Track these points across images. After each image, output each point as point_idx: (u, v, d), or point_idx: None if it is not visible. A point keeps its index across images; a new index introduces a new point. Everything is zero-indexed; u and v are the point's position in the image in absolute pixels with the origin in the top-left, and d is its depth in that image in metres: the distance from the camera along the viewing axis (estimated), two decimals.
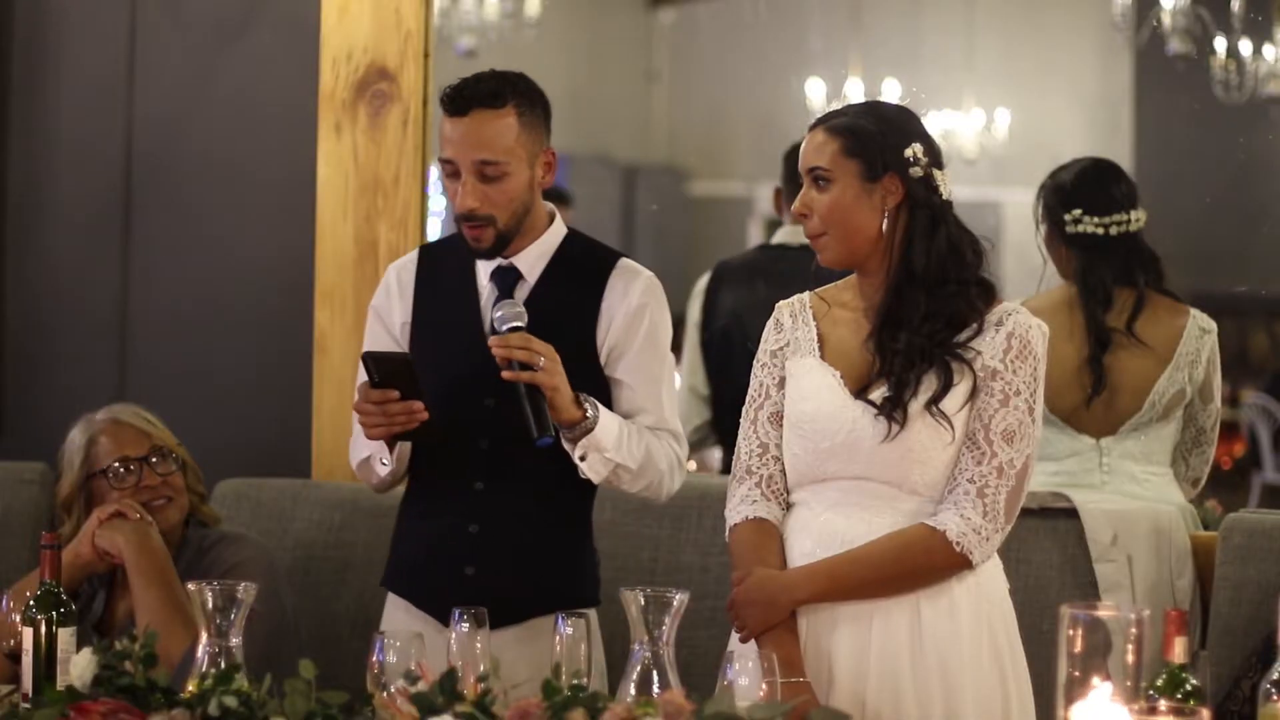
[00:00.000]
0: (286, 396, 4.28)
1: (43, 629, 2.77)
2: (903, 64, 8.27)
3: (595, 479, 3.13)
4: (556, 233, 3.25)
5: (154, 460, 3.44)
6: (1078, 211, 3.91)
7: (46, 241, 4.51)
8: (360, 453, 3.27)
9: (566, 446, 3.09)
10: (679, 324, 3.37)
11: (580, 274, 3.24)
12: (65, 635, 2.77)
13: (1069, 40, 8.97)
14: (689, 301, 4.73)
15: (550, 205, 3.28)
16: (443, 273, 3.30)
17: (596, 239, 3.36)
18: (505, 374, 3.02)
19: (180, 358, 4.42)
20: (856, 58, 8.18)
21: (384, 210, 4.12)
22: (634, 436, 3.14)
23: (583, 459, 3.09)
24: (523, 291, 3.21)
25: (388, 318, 3.32)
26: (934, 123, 7.76)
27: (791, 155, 4.54)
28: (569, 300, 3.22)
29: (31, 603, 2.80)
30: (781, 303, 3.04)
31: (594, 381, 3.18)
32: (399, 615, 3.28)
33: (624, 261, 3.27)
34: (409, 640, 2.60)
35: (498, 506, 3.21)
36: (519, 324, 3.07)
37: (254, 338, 4.37)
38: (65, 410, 3.67)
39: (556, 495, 3.21)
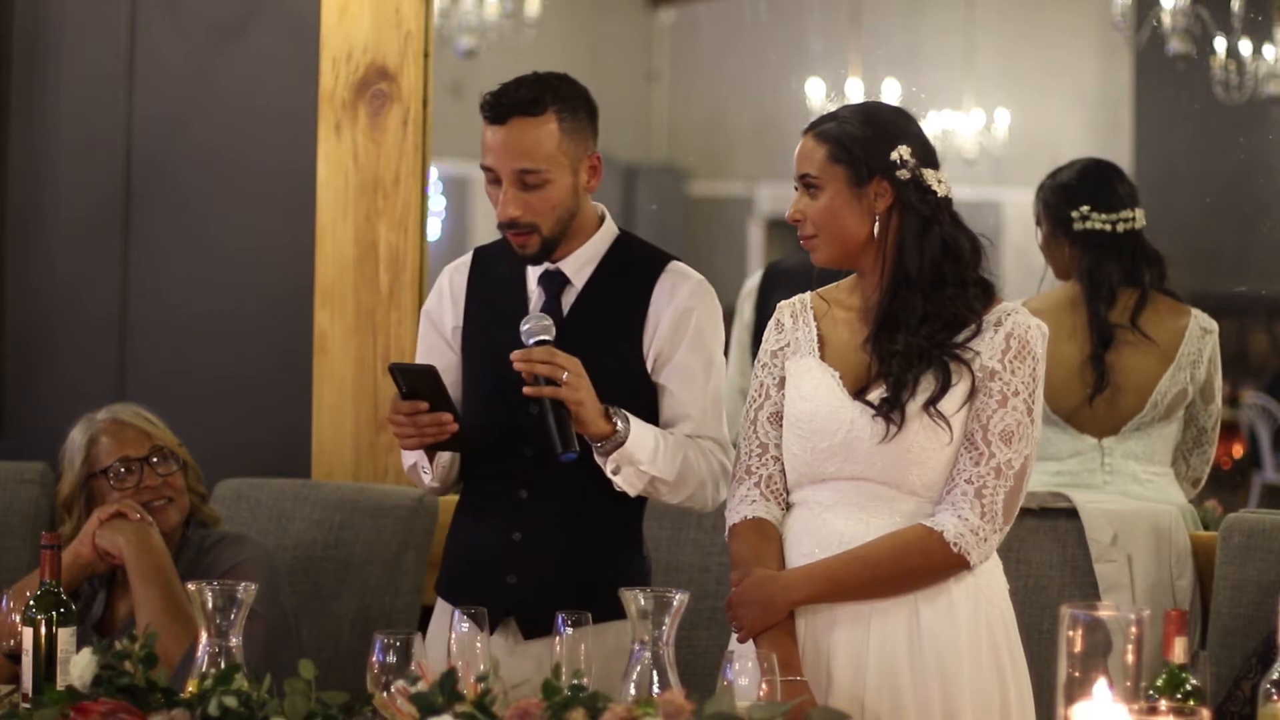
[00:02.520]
0: (286, 396, 4.28)
1: (43, 629, 2.77)
2: (903, 64, 8.25)
3: (631, 492, 3.06)
4: (606, 236, 3.19)
5: (155, 460, 3.44)
6: (1085, 208, 3.91)
7: (46, 241, 4.51)
8: (408, 459, 3.24)
9: (599, 460, 3.03)
10: (726, 324, 3.29)
11: (628, 277, 3.16)
12: (65, 635, 2.77)
13: (1069, 40, 8.95)
14: (739, 302, 4.71)
15: (601, 206, 3.22)
16: (494, 277, 3.23)
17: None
18: (527, 389, 2.96)
19: (180, 358, 4.42)
20: (856, 58, 8.16)
21: (384, 210, 4.12)
22: (671, 448, 3.06)
23: (615, 472, 3.03)
24: (570, 296, 3.15)
25: (439, 322, 3.26)
26: (934, 123, 7.75)
27: None
28: (615, 304, 3.15)
29: (31, 603, 2.80)
30: (783, 303, 3.04)
31: (640, 387, 3.12)
32: (444, 620, 3.25)
33: (674, 264, 3.18)
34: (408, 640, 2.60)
35: (541, 515, 3.15)
36: (546, 337, 3.01)
37: (254, 338, 4.37)
38: (65, 410, 3.67)
39: (601, 504, 3.13)
